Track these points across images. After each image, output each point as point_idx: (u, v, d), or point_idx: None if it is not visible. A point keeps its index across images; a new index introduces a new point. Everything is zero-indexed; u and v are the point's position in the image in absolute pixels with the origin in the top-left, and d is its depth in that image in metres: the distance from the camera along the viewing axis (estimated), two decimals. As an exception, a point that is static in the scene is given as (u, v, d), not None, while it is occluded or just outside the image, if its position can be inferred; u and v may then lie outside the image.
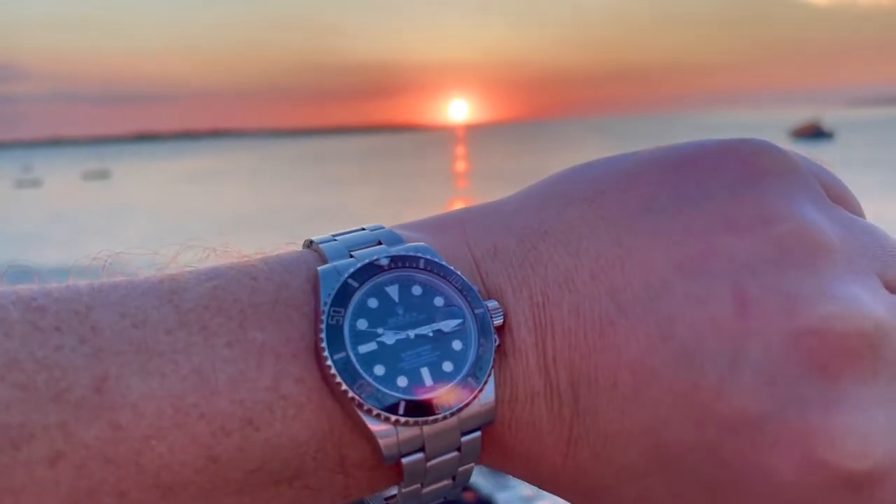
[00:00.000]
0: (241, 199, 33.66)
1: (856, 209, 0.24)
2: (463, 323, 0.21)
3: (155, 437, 0.18)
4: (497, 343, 0.21)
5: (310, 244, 0.23)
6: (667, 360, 0.20)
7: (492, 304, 0.21)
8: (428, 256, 0.22)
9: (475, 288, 0.21)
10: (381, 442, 0.20)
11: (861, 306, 0.20)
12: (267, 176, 50.31)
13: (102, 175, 57.22)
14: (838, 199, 0.23)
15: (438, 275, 0.21)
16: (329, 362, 0.20)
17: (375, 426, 0.20)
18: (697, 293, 0.20)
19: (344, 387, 0.19)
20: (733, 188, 0.22)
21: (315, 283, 0.21)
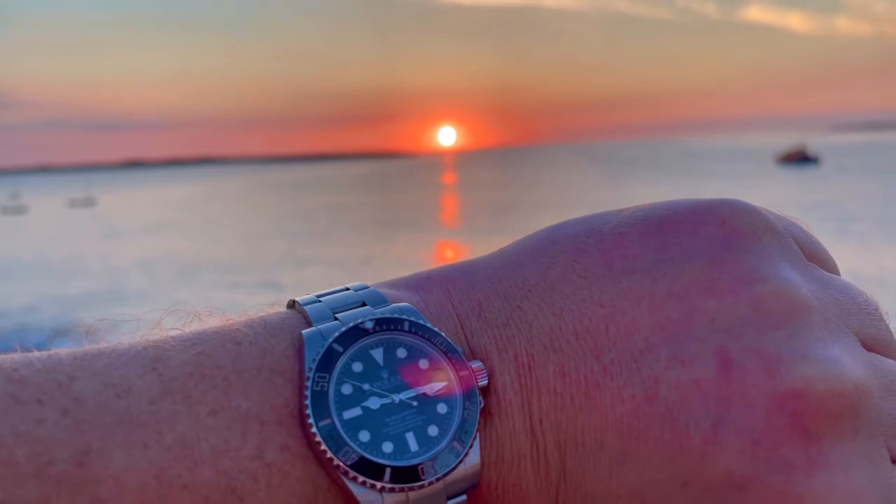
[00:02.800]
0: (227, 225, 33.30)
1: (830, 267, 0.24)
2: (448, 386, 0.21)
3: None
4: (482, 405, 0.21)
5: (293, 305, 0.23)
6: (652, 422, 0.20)
7: (476, 365, 0.21)
8: (412, 318, 0.22)
9: (460, 349, 0.21)
10: None
11: (840, 367, 0.21)
12: (254, 202, 50.06)
13: (88, 203, 56.76)
14: (813, 257, 0.24)
15: (423, 337, 0.21)
16: (314, 429, 0.19)
17: (361, 493, 0.20)
18: (681, 355, 0.21)
19: (329, 454, 0.19)
20: (713, 250, 0.22)
21: (300, 348, 0.21)
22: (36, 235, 34.52)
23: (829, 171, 50.48)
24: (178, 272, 21.05)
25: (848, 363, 0.21)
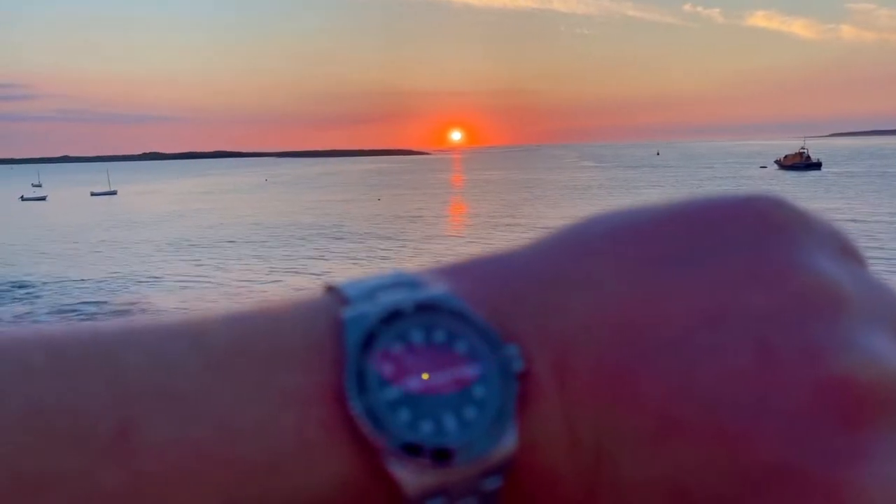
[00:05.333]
0: (243, 213, 35.30)
1: (863, 263, 0.24)
2: (485, 369, 0.21)
3: (178, 483, 0.18)
4: (518, 390, 0.21)
5: (332, 289, 0.23)
6: (690, 411, 0.20)
7: (513, 350, 0.21)
8: (451, 303, 0.22)
9: (496, 334, 0.22)
10: (404, 488, 0.20)
11: (883, 358, 0.21)
12: (270, 192, 52.09)
13: (110, 192, 59.30)
14: (847, 253, 0.24)
15: (461, 321, 0.21)
16: (354, 409, 0.20)
17: (398, 472, 0.20)
18: (720, 344, 0.20)
19: (368, 433, 0.20)
20: (752, 241, 0.22)
21: (339, 329, 0.21)
22: (61, 223, 36.78)
23: (832, 175, 51.63)
24: (198, 256, 23.17)
25: (890, 355, 0.21)
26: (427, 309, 0.21)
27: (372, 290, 0.22)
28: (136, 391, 0.19)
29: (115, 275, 19.41)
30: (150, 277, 18.97)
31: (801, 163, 61.31)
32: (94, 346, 0.19)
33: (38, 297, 16.89)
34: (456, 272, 0.23)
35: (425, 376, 0.21)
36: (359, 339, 0.21)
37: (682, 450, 0.20)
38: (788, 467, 0.19)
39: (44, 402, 0.18)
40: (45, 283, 18.26)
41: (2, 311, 15.43)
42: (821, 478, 0.19)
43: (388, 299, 0.22)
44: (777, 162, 66.38)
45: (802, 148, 64.26)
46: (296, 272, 18.81)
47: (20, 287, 17.82)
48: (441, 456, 0.20)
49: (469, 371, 0.21)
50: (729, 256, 0.22)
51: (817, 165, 60.59)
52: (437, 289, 0.22)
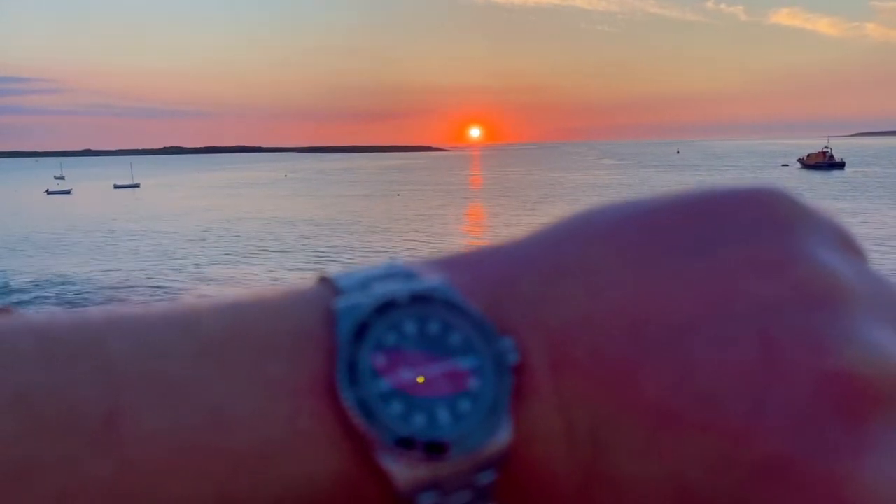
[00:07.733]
0: (263, 207, 35.78)
1: (864, 258, 0.24)
2: (479, 362, 0.21)
3: (167, 473, 0.18)
4: (514, 382, 0.21)
5: (326, 280, 0.23)
6: (690, 403, 0.20)
7: (508, 342, 0.21)
8: (445, 294, 0.21)
9: (492, 326, 0.21)
10: (396, 481, 0.20)
11: (884, 351, 0.20)
12: (290, 187, 52.64)
13: (132, 185, 60.25)
14: (848, 247, 0.24)
15: (456, 313, 0.21)
16: (345, 400, 0.19)
17: (390, 465, 0.19)
18: (721, 335, 0.20)
19: (359, 425, 0.19)
20: (753, 232, 0.22)
21: (333, 318, 0.21)
22: (88, 215, 37.39)
23: (857, 175, 51.02)
24: (222, 247, 23.55)
25: (891, 349, 0.21)
26: (421, 300, 0.21)
27: (365, 281, 0.22)
28: (126, 378, 0.18)
29: (147, 264, 19.83)
30: (176, 268, 19.36)
31: (825, 162, 60.65)
32: (83, 332, 0.19)
33: (73, 283, 17.34)
34: (452, 263, 0.23)
35: (418, 369, 0.20)
36: (351, 330, 0.20)
37: (682, 443, 0.20)
38: (789, 461, 0.19)
39: (31, 388, 0.18)
40: (80, 275, 18.71)
41: (44, 295, 15.87)
42: (822, 472, 0.19)
43: (382, 290, 0.21)
44: (800, 161, 65.71)
45: (826, 147, 63.50)
46: (317, 264, 19.11)
47: (58, 277, 18.29)
48: (434, 449, 0.20)
49: (463, 364, 0.21)
50: (730, 247, 0.22)
51: (840, 165, 59.92)
52: (432, 280, 0.22)
